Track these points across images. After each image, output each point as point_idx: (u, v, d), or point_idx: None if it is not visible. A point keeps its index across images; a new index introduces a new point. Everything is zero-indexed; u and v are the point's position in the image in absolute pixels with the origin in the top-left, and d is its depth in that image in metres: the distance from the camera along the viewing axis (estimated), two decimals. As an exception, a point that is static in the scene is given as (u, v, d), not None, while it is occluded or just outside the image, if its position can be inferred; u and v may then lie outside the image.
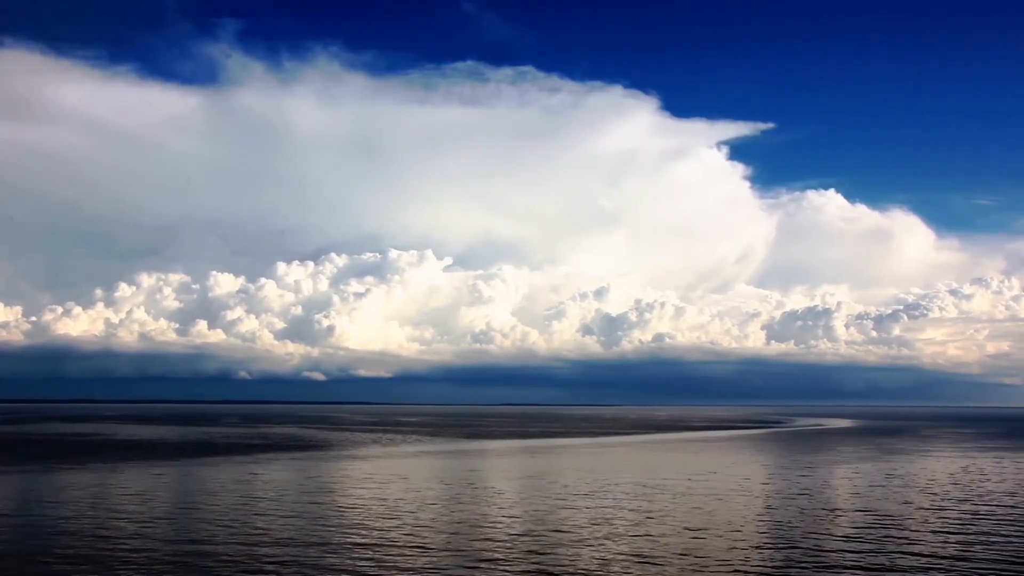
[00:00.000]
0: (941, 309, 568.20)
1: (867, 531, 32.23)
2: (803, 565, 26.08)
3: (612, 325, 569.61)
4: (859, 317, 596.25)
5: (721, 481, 50.31)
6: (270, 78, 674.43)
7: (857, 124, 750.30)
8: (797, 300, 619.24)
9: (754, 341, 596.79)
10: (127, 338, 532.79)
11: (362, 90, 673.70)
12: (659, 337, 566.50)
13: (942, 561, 26.87)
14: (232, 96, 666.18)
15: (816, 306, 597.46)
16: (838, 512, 37.33)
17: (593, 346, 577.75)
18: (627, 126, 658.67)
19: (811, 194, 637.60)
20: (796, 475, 54.95)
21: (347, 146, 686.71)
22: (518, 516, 36.02)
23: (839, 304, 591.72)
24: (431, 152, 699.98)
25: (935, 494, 44.25)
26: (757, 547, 28.97)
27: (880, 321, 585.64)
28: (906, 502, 40.91)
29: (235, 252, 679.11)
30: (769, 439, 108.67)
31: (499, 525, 33.60)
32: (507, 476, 55.28)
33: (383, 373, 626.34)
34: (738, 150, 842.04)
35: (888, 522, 34.45)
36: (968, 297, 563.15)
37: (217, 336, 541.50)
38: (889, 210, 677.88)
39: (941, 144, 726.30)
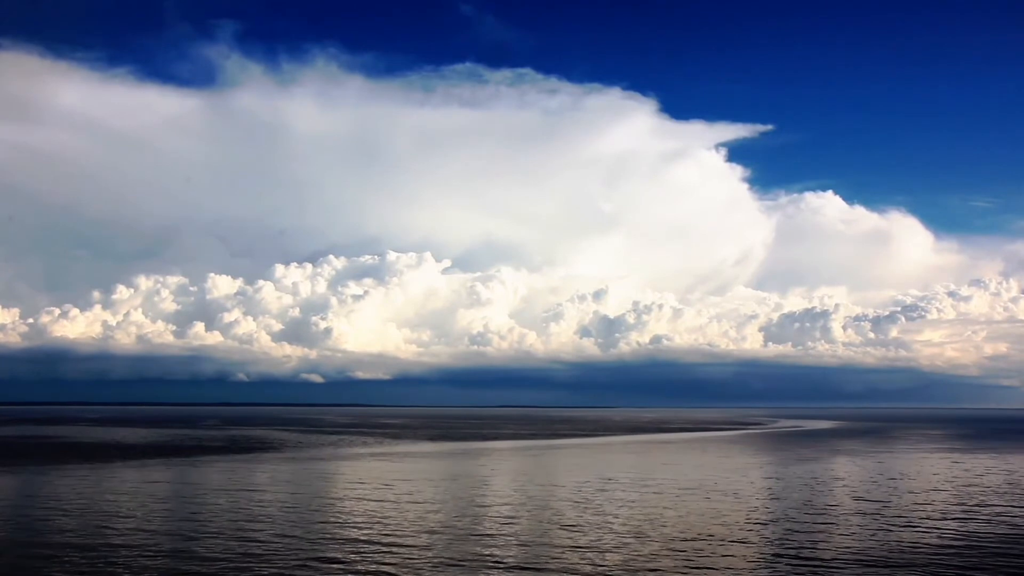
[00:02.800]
0: (939, 311, 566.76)
1: (752, 530, 32.25)
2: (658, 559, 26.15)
3: (610, 327, 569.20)
4: (857, 319, 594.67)
5: (636, 482, 50.38)
6: (269, 80, 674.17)
7: (855, 126, 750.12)
8: (795, 302, 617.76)
9: (752, 343, 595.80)
10: (124, 340, 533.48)
11: (361, 92, 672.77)
12: (657, 339, 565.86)
13: (806, 562, 26.89)
14: (231, 98, 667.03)
15: (814, 308, 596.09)
16: (728, 511, 37.30)
17: (591, 348, 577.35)
18: (626, 128, 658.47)
19: (809, 196, 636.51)
20: (722, 476, 54.92)
21: (346, 148, 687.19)
22: (418, 521, 36.06)
23: (837, 306, 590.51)
24: (430, 154, 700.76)
25: (846, 492, 44.27)
26: (597, 546, 29.03)
27: (878, 323, 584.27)
28: (806, 502, 40.91)
29: (234, 254, 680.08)
30: (736, 441, 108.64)
31: (400, 531, 33.63)
32: (431, 478, 55.27)
33: (381, 375, 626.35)
34: (737, 152, 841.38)
35: (772, 521, 34.48)
36: (966, 299, 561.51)
37: (215, 338, 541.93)
38: (887, 212, 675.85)
39: (939, 146, 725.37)
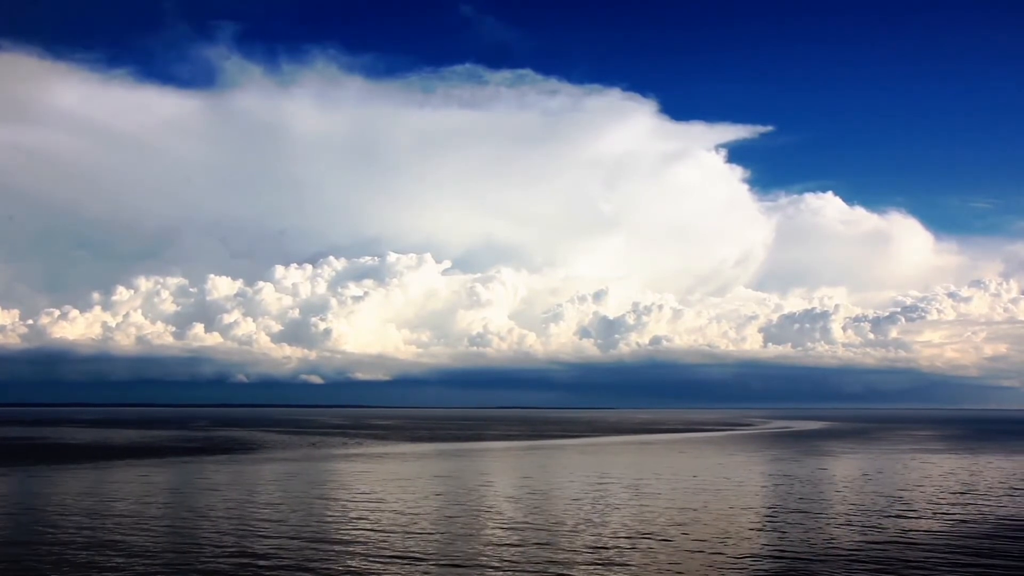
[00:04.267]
0: (939, 311, 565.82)
1: (671, 528, 32.35)
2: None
3: (610, 328, 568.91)
4: (857, 320, 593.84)
5: (604, 482, 50.50)
6: (268, 81, 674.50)
7: (855, 127, 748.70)
8: (795, 303, 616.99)
9: (751, 344, 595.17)
10: (124, 341, 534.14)
11: (360, 93, 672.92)
12: (656, 340, 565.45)
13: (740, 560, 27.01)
14: (230, 99, 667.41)
15: (814, 309, 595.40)
16: (659, 509, 37.38)
17: (590, 349, 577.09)
18: (626, 129, 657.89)
19: (809, 197, 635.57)
20: (679, 476, 55.01)
21: (346, 149, 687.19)
22: (358, 519, 36.21)
23: (837, 306, 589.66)
24: (430, 155, 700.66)
25: (792, 492, 44.35)
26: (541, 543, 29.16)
27: (878, 324, 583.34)
28: (746, 502, 40.98)
29: (234, 255, 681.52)
30: (719, 442, 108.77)
31: (334, 530, 33.77)
32: (394, 478, 55.35)
33: (381, 376, 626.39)
34: (736, 153, 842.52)
35: (706, 521, 34.59)
36: (966, 300, 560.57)
37: (214, 339, 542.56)
38: (887, 213, 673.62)
39: (939, 147, 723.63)
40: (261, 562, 26.86)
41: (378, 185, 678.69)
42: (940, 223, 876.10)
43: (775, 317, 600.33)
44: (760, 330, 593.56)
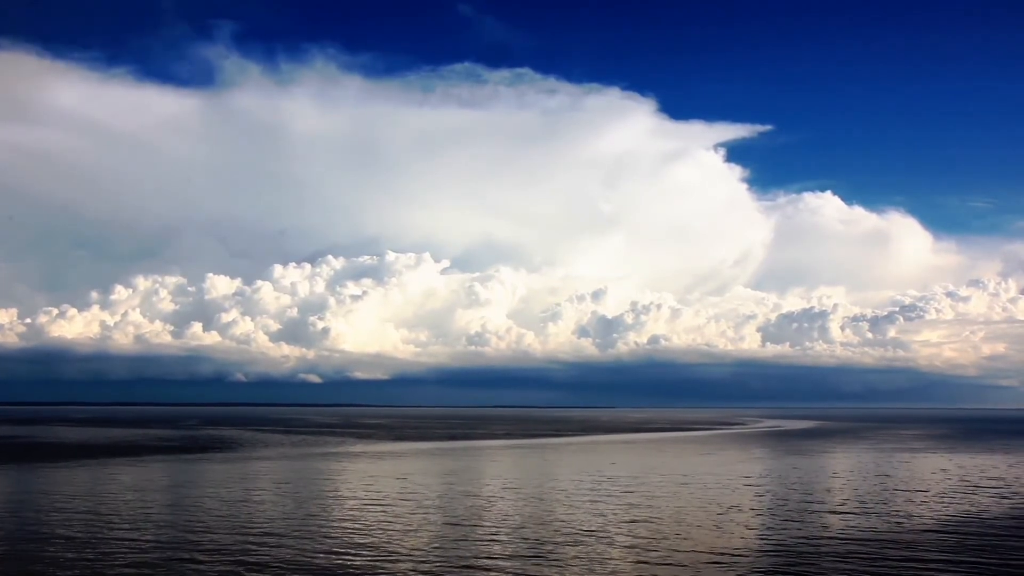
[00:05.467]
0: (937, 311, 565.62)
1: (639, 524, 32.25)
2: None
3: (608, 327, 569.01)
4: (855, 319, 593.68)
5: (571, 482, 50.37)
6: (267, 80, 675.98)
7: (854, 126, 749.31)
8: (793, 302, 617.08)
9: (750, 343, 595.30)
10: (122, 340, 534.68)
11: (359, 92, 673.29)
12: (654, 339, 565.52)
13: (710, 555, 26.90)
14: (229, 98, 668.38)
15: (812, 308, 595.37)
16: (611, 508, 37.27)
17: (589, 348, 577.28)
18: (625, 128, 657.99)
19: (808, 196, 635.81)
20: (643, 475, 54.91)
21: (345, 148, 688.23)
22: (306, 517, 36.12)
23: (835, 306, 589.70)
24: (429, 154, 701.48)
25: (753, 490, 44.25)
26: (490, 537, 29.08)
27: (876, 323, 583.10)
28: (705, 499, 40.88)
29: (233, 254, 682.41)
30: (702, 441, 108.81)
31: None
32: (357, 477, 55.28)
33: (379, 375, 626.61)
34: (735, 152, 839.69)
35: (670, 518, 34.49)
36: (964, 299, 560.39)
37: (212, 338, 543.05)
38: (886, 212, 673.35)
39: (938, 146, 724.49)
40: (189, 563, 26.78)
41: (377, 184, 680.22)
42: (939, 223, 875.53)
43: (773, 316, 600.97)
44: (758, 329, 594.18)
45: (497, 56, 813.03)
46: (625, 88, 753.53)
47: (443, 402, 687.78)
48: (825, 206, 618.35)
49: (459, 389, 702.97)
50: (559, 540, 30.39)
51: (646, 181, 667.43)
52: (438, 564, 26.38)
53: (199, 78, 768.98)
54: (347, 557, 27.39)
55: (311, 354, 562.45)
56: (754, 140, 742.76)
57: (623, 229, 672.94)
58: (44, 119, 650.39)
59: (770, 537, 31.28)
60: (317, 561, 26.77)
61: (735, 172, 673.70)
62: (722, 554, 27.99)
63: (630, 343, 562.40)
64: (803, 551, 28.49)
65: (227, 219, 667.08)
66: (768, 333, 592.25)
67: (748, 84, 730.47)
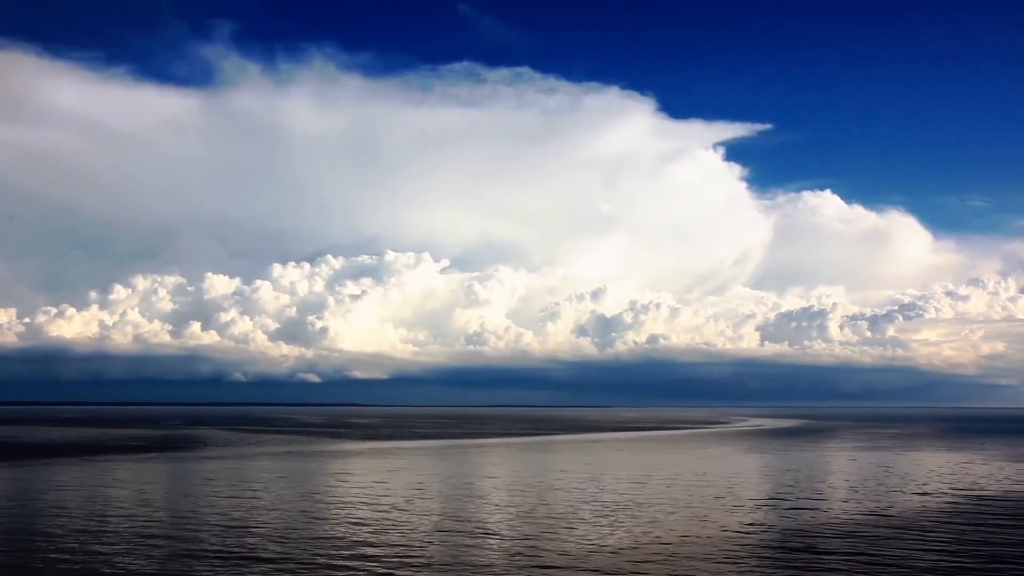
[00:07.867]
0: (937, 310, 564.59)
1: (600, 519, 32.35)
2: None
3: (607, 326, 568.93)
4: (854, 318, 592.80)
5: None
6: (266, 80, 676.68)
7: (854, 125, 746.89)
8: (793, 301, 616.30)
9: (749, 342, 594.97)
10: (121, 340, 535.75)
11: (358, 92, 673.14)
12: (653, 338, 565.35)
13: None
14: (228, 98, 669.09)
15: (811, 307, 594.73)
16: (555, 503, 37.40)
17: (588, 347, 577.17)
18: (624, 127, 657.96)
19: (807, 195, 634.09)
20: (596, 472, 55.03)
21: (344, 148, 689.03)
22: (227, 517, 36.27)
23: (834, 305, 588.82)
24: (428, 154, 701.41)
25: (705, 486, 44.35)
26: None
27: (875, 322, 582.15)
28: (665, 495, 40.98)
29: (232, 254, 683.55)
30: (678, 439, 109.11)
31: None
32: (335, 475, 55.43)
33: (378, 375, 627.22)
34: (735, 151, 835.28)
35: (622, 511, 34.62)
36: (964, 298, 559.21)
37: (211, 338, 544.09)
38: (885, 211, 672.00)
39: (937, 145, 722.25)
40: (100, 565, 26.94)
41: (376, 184, 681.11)
42: (938, 222, 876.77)
43: (773, 316, 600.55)
44: (758, 329, 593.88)
45: (496, 55, 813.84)
46: (624, 87, 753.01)
47: (441, 402, 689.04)
48: (824, 205, 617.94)
49: (458, 389, 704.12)
50: (437, 542, 30.49)
51: (645, 180, 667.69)
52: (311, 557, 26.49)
53: (198, 78, 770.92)
54: (236, 555, 27.53)
55: (310, 354, 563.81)
56: (753, 139, 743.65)
57: (622, 228, 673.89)
58: (43, 119, 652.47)
59: (695, 532, 31.35)
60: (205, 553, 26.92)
61: (734, 171, 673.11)
62: (593, 551, 28.08)
63: (629, 343, 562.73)
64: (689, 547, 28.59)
65: (226, 219, 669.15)
66: (767, 332, 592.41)
67: (747, 83, 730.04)
